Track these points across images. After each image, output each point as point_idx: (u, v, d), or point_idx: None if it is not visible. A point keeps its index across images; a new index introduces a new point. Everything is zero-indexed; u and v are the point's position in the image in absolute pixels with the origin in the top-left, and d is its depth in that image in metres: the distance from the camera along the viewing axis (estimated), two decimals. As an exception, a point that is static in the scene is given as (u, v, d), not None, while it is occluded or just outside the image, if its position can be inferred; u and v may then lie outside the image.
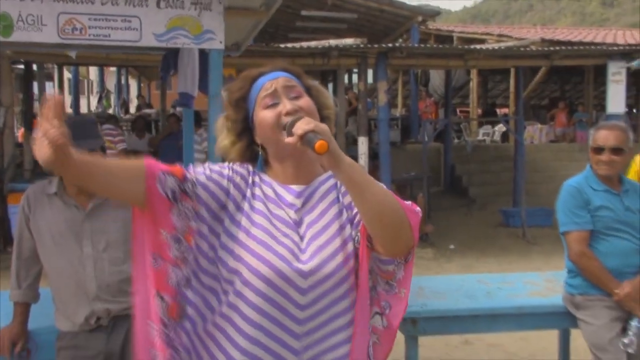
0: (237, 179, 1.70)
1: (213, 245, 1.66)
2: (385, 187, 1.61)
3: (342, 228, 1.67)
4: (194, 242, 1.65)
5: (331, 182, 1.74)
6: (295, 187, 1.71)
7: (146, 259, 1.64)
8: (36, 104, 14.01)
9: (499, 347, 5.12)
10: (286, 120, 1.62)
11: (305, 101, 1.69)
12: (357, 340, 1.66)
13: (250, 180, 1.72)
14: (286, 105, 1.65)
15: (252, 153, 1.76)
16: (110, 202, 2.69)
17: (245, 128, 1.74)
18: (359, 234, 1.66)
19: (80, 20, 3.42)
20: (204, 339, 1.66)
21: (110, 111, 19.55)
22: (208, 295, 1.67)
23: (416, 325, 3.17)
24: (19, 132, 13.67)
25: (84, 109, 20.83)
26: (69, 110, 17.22)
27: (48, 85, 17.87)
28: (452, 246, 9.40)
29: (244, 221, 1.66)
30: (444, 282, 3.86)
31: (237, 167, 1.73)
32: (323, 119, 1.73)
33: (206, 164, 1.74)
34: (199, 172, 1.68)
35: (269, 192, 1.71)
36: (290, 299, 1.61)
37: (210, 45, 3.10)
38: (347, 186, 1.57)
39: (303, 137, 1.51)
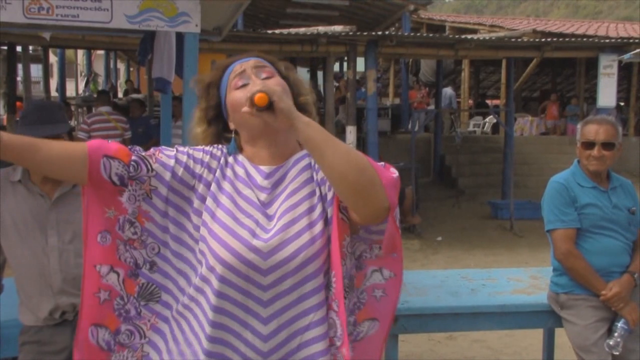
0: (210, 162, 1.69)
1: (183, 226, 1.65)
2: (351, 147, 1.56)
3: (311, 209, 1.62)
4: (146, 224, 1.65)
5: (306, 160, 1.69)
6: (265, 168, 1.67)
7: (90, 235, 1.65)
8: (20, 87, 13.79)
9: (483, 343, 5.05)
10: None
11: (277, 81, 1.66)
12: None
13: (222, 161, 1.70)
14: (256, 83, 1.62)
15: (224, 141, 1.74)
16: (78, 191, 2.58)
17: (217, 115, 1.74)
18: (332, 211, 1.61)
19: (47, -1, 3.27)
20: (178, 320, 1.65)
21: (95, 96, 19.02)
22: (179, 279, 1.67)
23: (396, 323, 3.07)
24: (4, 117, 13.44)
25: (71, 93, 20.56)
26: (54, 93, 16.97)
27: (34, 67, 17.61)
28: (439, 238, 9.32)
29: (210, 202, 1.64)
30: (427, 278, 3.76)
31: (212, 149, 1.72)
32: (300, 106, 1.68)
33: (182, 147, 1.73)
34: (169, 154, 1.66)
35: (241, 172, 1.68)
36: (252, 280, 1.57)
37: (185, 28, 2.95)
38: (307, 147, 1.55)
39: (252, 100, 1.50)
